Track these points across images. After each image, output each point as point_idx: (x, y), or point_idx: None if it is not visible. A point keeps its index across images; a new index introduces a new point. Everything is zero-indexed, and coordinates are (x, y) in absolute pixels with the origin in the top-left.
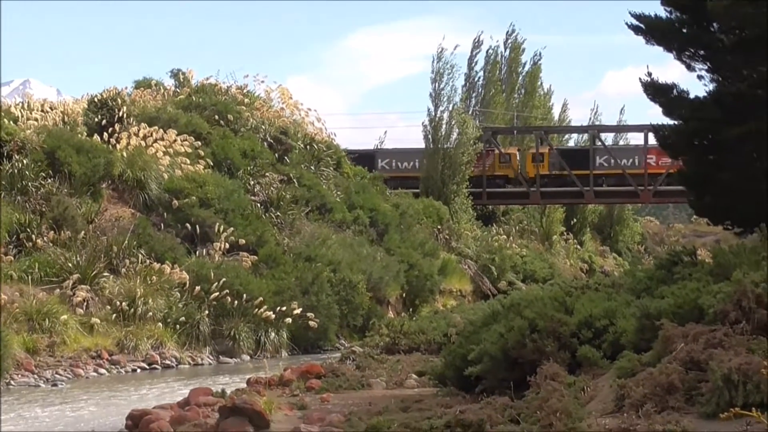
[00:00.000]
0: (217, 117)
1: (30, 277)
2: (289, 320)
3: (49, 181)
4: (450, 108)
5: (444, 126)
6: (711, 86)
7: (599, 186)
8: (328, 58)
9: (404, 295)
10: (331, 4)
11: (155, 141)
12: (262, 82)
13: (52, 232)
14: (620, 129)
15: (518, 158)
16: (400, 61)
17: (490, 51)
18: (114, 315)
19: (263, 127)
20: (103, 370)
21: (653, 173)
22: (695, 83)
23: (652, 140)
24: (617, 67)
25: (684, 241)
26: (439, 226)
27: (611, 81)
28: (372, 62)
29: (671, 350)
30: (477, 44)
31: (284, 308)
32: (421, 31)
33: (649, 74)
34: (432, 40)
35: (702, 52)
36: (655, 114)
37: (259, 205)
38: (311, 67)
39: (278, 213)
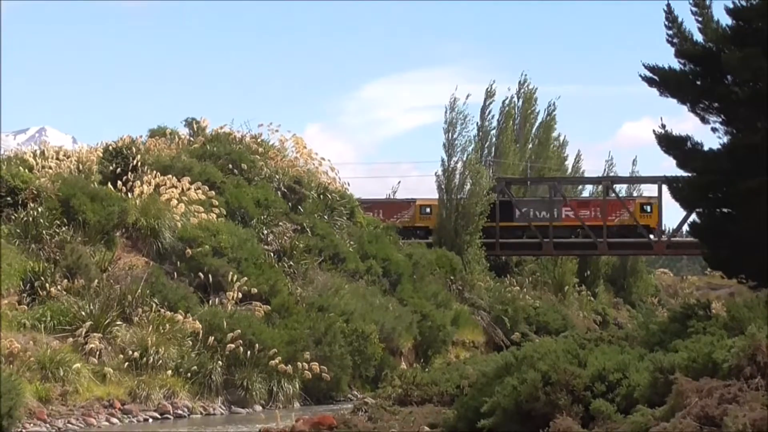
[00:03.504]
0: (231, 166)
1: (43, 326)
2: (306, 374)
3: (64, 229)
4: (463, 158)
5: (457, 176)
6: (725, 138)
7: (519, 238)
8: (343, 108)
9: (417, 345)
10: (345, 56)
11: (169, 189)
12: (276, 131)
13: (66, 280)
14: (633, 180)
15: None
16: (413, 111)
17: (505, 101)
18: (126, 364)
19: (277, 176)
20: (115, 420)
21: (570, 225)
22: (709, 135)
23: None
24: (634, 117)
25: (698, 294)
26: (452, 277)
27: (628, 132)
28: (385, 112)
29: (685, 405)
30: (490, 94)
31: (297, 360)
32: (435, 81)
33: (663, 126)
34: (445, 89)
35: (716, 105)
36: (669, 165)
37: (272, 254)
38: (326, 116)
39: (291, 262)
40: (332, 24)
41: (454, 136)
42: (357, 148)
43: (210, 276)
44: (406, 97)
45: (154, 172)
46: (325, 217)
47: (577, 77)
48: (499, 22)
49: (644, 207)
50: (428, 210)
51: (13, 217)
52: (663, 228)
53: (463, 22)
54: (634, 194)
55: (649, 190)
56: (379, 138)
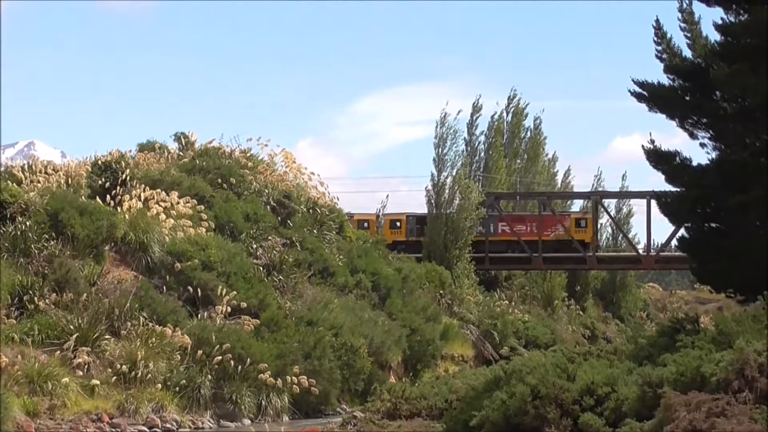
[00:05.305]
0: (220, 180)
1: (31, 339)
2: (295, 388)
3: (52, 243)
4: (453, 173)
5: (447, 191)
6: (713, 154)
7: None
8: (334, 122)
9: (406, 359)
10: (336, 71)
11: (157, 203)
12: (266, 145)
13: (54, 294)
14: (622, 195)
15: (375, 224)
16: (404, 126)
17: (495, 116)
18: (115, 377)
19: (266, 190)
20: None
21: (505, 240)
22: (698, 150)
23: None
24: (625, 132)
25: (686, 308)
26: (441, 291)
27: (619, 147)
28: (377, 126)
29: (673, 419)
30: (476, 109)
31: (286, 374)
32: (426, 96)
33: (652, 141)
34: (436, 104)
35: (704, 120)
36: (658, 180)
37: (261, 268)
38: (317, 131)
39: (280, 276)
40: (323, 39)
41: (444, 151)
42: (348, 162)
43: (199, 290)
44: (398, 112)
45: (143, 186)
46: (315, 231)
47: (568, 92)
48: (490, 38)
49: (579, 222)
50: (366, 225)
51: (1, 231)
52: (652, 243)
53: (455, 38)
54: (624, 209)
55: (639, 205)
56: (370, 152)
